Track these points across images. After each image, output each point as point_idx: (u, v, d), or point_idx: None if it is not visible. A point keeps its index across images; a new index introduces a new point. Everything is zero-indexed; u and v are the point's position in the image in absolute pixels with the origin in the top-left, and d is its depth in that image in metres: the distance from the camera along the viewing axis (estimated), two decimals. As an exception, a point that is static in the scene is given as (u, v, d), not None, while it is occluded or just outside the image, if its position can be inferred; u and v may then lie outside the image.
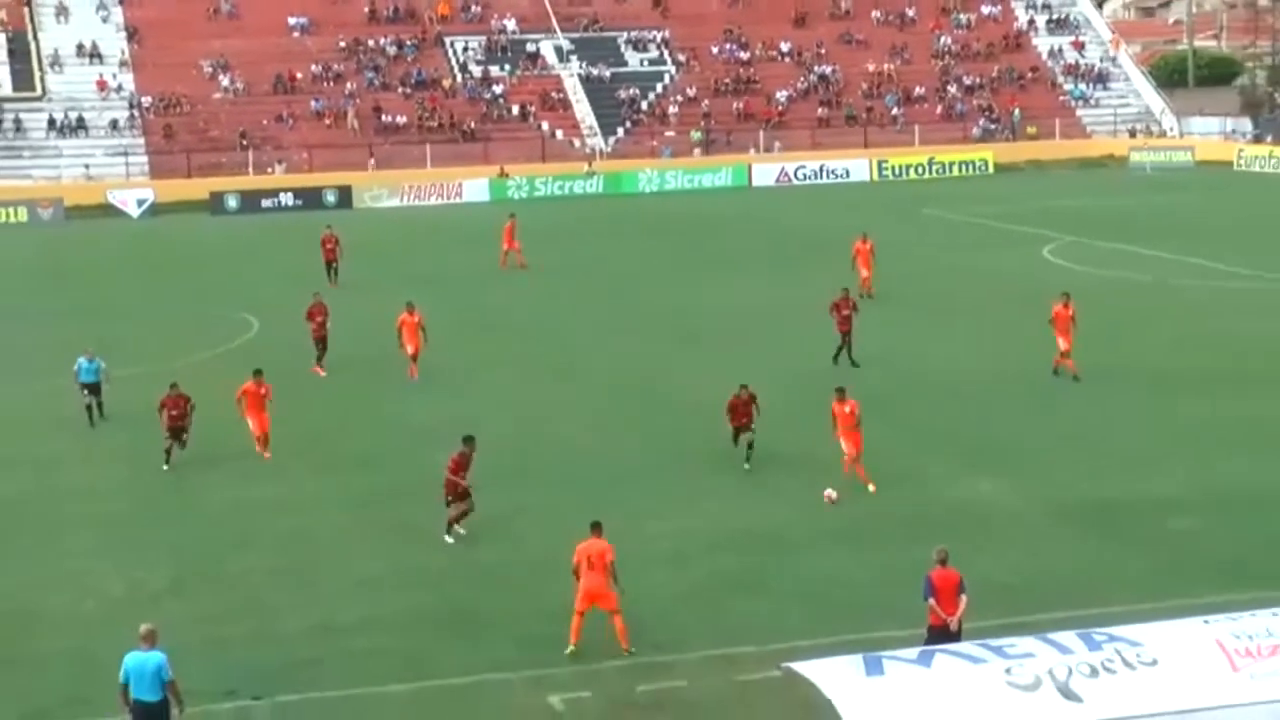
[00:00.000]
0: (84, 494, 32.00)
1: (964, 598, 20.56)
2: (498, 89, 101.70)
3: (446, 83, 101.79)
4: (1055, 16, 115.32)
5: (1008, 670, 15.14)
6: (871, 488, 29.63)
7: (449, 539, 27.93)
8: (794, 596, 25.01)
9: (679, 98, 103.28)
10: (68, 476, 33.48)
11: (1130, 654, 15.28)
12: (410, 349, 41.27)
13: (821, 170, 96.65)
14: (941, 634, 19.91)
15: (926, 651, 16.18)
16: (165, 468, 32.95)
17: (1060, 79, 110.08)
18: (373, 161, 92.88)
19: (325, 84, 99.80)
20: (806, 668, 15.75)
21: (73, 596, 26.06)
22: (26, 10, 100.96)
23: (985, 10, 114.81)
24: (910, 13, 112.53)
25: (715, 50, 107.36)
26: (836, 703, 14.94)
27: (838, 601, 24.62)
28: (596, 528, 23.17)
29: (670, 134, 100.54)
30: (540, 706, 21.26)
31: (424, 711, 21.31)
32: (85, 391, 37.32)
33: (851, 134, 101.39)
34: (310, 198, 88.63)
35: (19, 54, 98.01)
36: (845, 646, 19.11)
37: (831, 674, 15.45)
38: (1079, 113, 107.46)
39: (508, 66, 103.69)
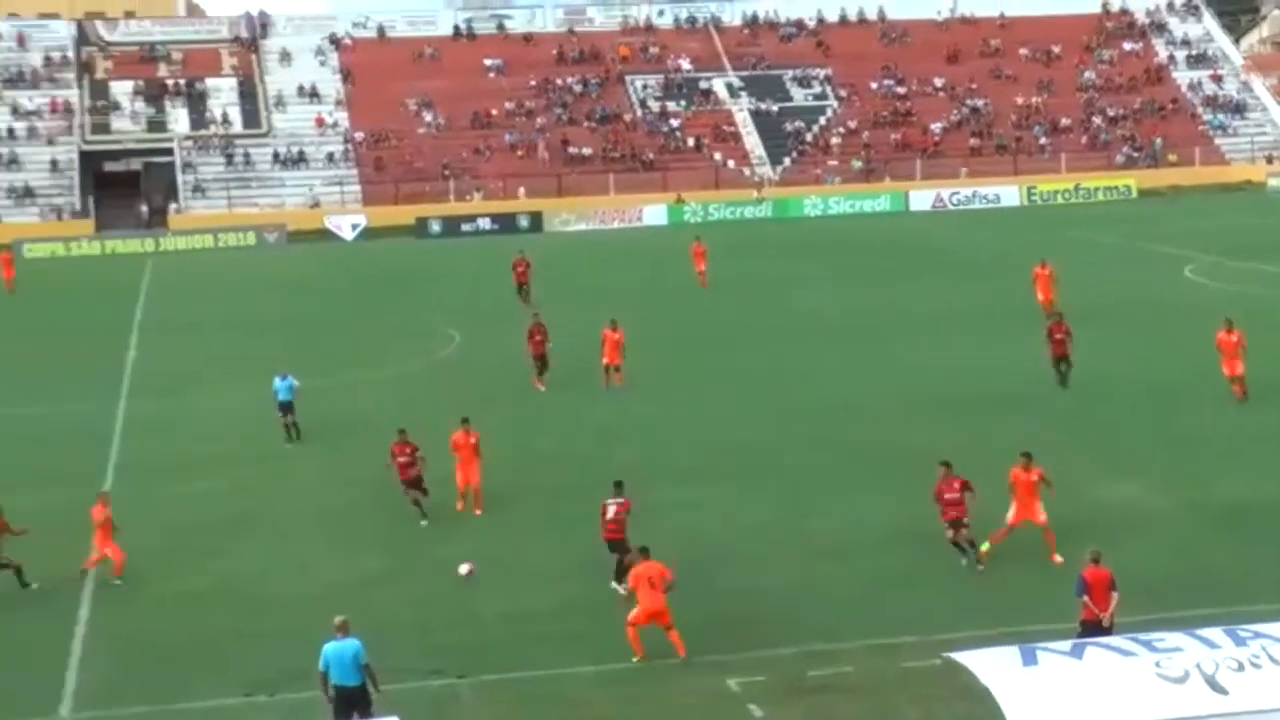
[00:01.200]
0: (306, 489, 32.44)
1: (1115, 594, 20.16)
2: (674, 123, 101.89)
3: (628, 117, 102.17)
4: (1194, 52, 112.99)
5: (1157, 663, 14.77)
6: (1058, 559, 24.96)
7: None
8: (953, 590, 24.66)
9: (841, 129, 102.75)
10: (291, 472, 33.97)
11: (1276, 650, 14.84)
12: (606, 361, 41.07)
13: (974, 196, 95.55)
14: (1093, 629, 19.52)
15: (1079, 644, 15.85)
16: (424, 523, 29.25)
17: (1199, 109, 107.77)
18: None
19: (518, 119, 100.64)
20: (966, 657, 15.50)
21: (297, 580, 26.48)
22: (255, 57, 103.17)
23: (1127, 47, 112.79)
24: (1056, 50, 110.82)
25: (874, 86, 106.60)
26: (994, 691, 14.70)
27: (994, 596, 24.24)
28: (646, 552, 22.48)
29: (833, 163, 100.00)
30: (719, 689, 21.17)
31: (610, 691, 21.31)
32: (281, 411, 35.77)
33: (1002, 162, 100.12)
34: (505, 222, 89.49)
35: (248, 96, 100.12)
36: (1002, 638, 18.82)
37: (989, 664, 15.19)
38: (1217, 141, 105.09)
39: (683, 102, 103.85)
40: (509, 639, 23.33)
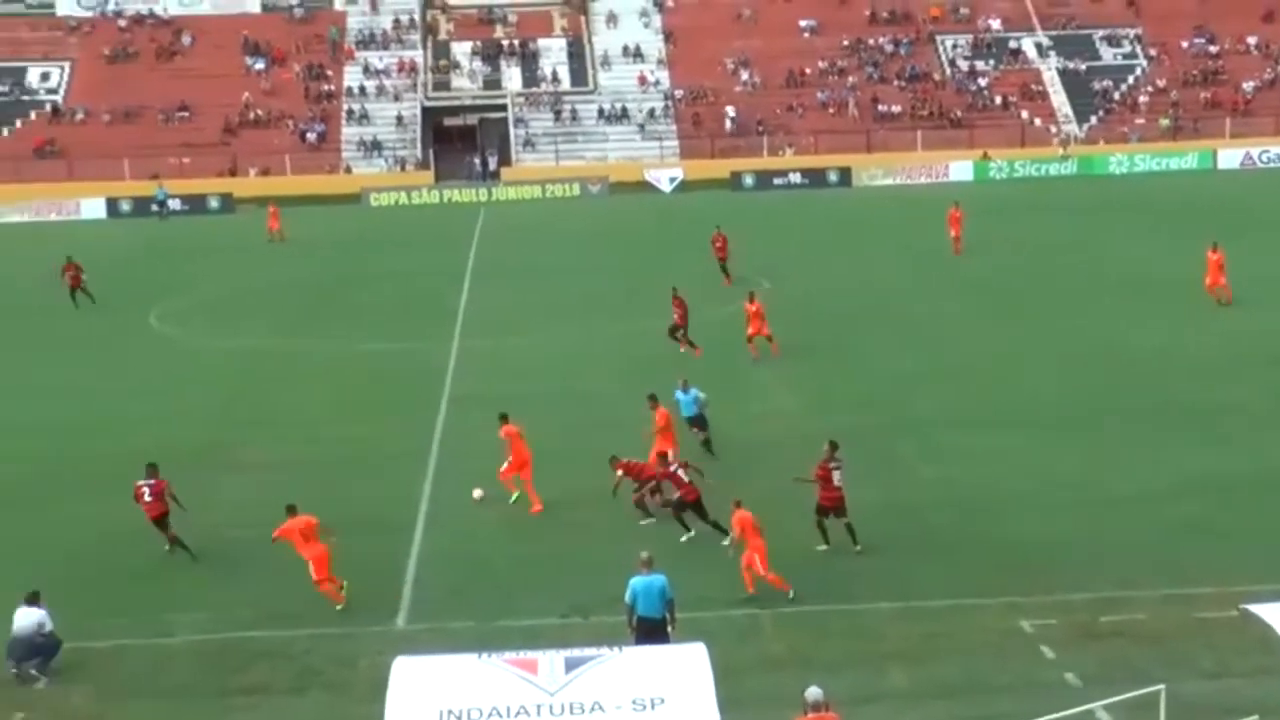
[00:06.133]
0: (625, 426, 31.79)
1: None
2: (982, 81, 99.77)
3: (937, 76, 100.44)
4: None
5: None
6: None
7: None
8: (1254, 543, 23.76)
9: (1149, 88, 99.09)
10: (611, 409, 33.92)
11: None
12: (751, 332, 39.07)
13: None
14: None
15: (1384, 602, 15.13)
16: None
17: None
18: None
19: (830, 78, 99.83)
20: (1264, 610, 14.93)
21: (614, 511, 26.75)
22: (584, 19, 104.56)
23: None
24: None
25: (1185, 45, 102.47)
26: (1293, 644, 14.12)
27: (1294, 550, 23.31)
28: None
29: (1140, 121, 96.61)
30: (1012, 629, 20.85)
31: (907, 627, 21.15)
32: (691, 425, 30.05)
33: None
34: (815, 177, 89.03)
35: (576, 55, 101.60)
36: (1302, 593, 18.08)
37: (1289, 617, 14.60)
38: None
39: (992, 61, 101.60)
40: (812, 573, 23.32)
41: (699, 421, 30.06)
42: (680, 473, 25.34)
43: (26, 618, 20.87)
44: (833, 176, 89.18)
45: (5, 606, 21.20)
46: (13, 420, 35.14)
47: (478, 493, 27.63)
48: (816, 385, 36.18)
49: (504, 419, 27.93)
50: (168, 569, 24.82)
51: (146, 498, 25.30)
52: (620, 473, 26.65)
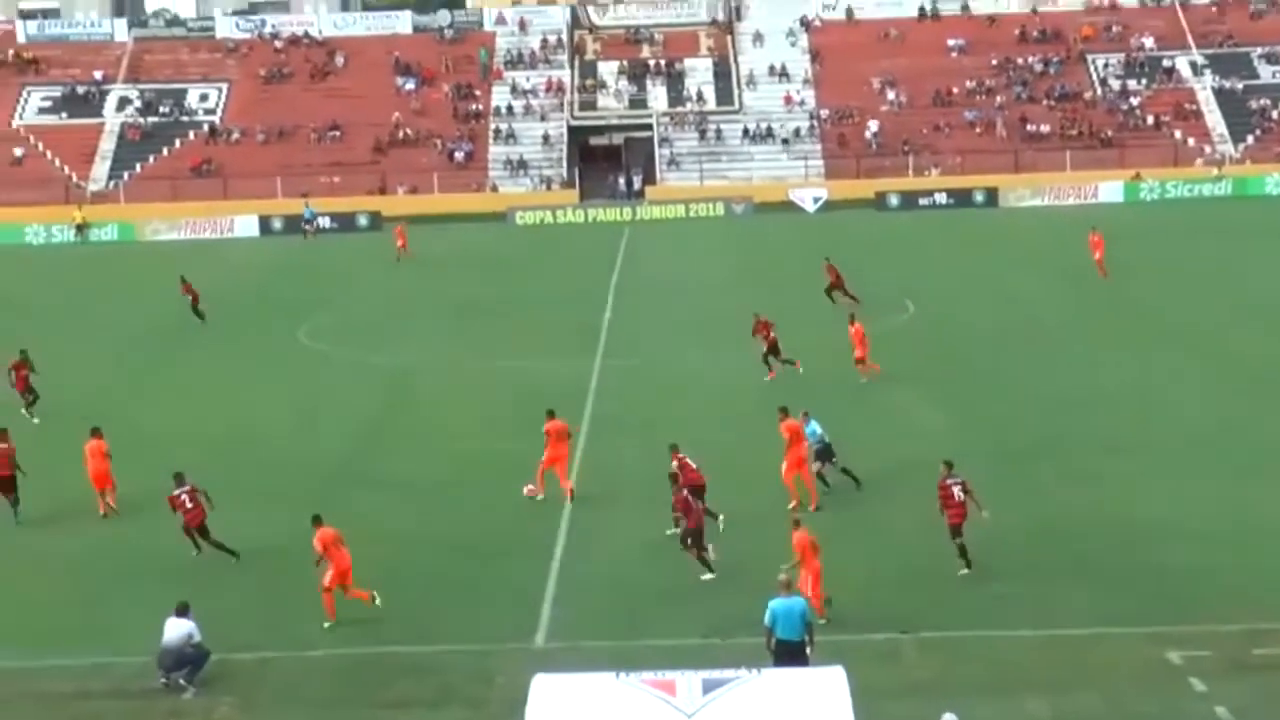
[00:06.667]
0: (754, 448, 31.23)
1: None
2: (1134, 101, 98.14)
3: (1087, 95, 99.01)
4: None
5: None
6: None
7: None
8: None
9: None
10: (746, 431, 33.47)
11: None
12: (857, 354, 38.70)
13: None
14: None
15: None
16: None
17: None
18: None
19: (978, 97, 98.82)
20: None
21: (751, 537, 26.64)
22: (730, 39, 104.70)
23: None
24: None
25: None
26: None
27: None
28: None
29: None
30: (1158, 660, 20.42)
31: (1050, 656, 20.83)
32: (818, 459, 29.02)
33: None
34: (961, 197, 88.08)
35: (722, 75, 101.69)
36: None
37: None
38: None
39: (1144, 80, 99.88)
40: (952, 598, 23.07)
41: (826, 454, 29.08)
42: (691, 499, 25.13)
43: (176, 629, 21.31)
44: (979, 197, 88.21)
45: (156, 617, 21.64)
46: (167, 430, 35.95)
47: (529, 489, 28.68)
48: (960, 406, 35.76)
49: (550, 415, 29.55)
50: (311, 581, 25.14)
51: (188, 505, 26.44)
52: (674, 464, 26.68)
